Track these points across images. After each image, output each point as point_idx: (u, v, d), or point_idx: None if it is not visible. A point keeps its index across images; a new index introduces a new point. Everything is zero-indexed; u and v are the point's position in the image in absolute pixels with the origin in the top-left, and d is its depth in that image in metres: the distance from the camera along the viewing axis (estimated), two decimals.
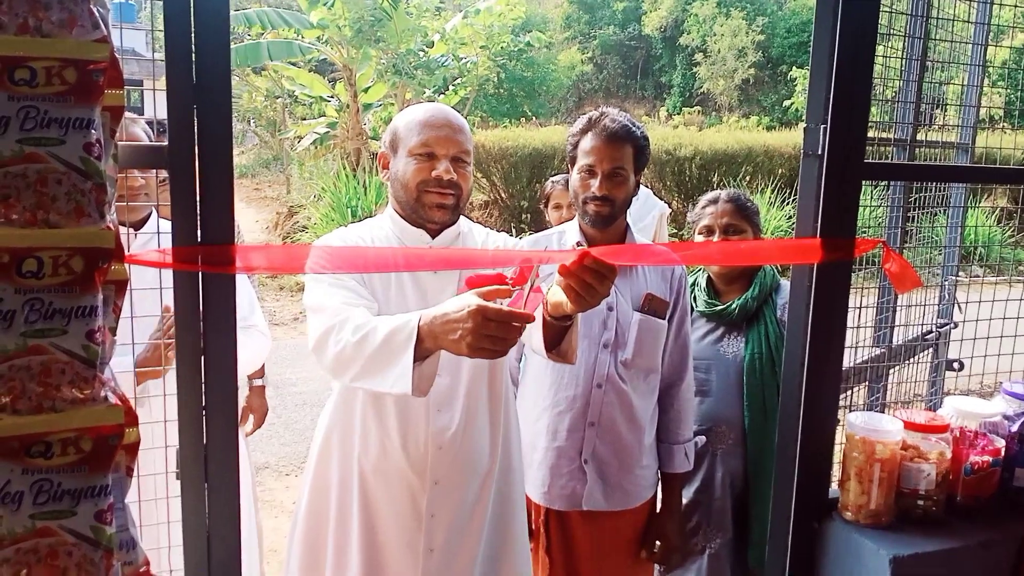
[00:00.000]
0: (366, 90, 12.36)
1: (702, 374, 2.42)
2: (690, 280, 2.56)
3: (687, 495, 2.42)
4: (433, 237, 1.96)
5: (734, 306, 2.42)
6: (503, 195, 11.72)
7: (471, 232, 2.06)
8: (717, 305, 2.46)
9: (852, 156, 1.67)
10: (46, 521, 1.00)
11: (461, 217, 2.02)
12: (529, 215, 11.22)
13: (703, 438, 2.39)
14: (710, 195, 2.51)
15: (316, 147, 12.45)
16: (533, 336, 1.79)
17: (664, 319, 2.25)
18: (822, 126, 1.65)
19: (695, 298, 2.52)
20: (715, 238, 2.41)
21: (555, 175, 3.99)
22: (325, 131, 12.32)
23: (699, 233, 2.47)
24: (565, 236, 2.32)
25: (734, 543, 2.39)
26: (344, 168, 11.39)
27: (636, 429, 2.25)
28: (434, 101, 1.77)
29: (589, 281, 1.46)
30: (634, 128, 2.21)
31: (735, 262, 2.34)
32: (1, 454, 0.98)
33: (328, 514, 1.96)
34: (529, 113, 20.62)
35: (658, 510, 2.37)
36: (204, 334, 1.24)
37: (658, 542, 2.31)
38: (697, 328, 2.49)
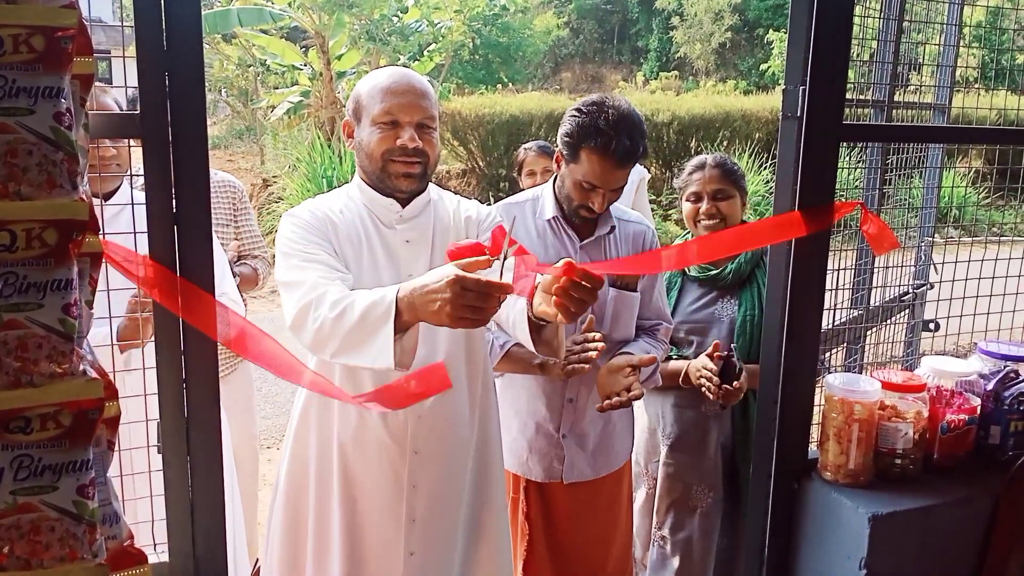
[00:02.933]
0: (339, 57, 12.18)
1: (697, 337, 2.44)
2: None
3: (680, 456, 2.44)
4: (403, 206, 1.94)
5: (728, 271, 2.43)
6: (480, 163, 11.65)
7: (441, 200, 2.04)
8: (711, 271, 2.46)
9: (831, 117, 1.67)
10: (27, 497, 0.99)
11: (430, 184, 2.00)
12: (507, 183, 11.16)
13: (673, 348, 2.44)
14: (696, 160, 2.50)
15: (289, 116, 12.28)
16: (517, 328, 1.80)
17: (636, 291, 2.26)
18: (801, 88, 1.65)
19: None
20: (703, 204, 2.42)
21: (529, 142, 3.97)
22: (298, 100, 12.15)
23: (687, 200, 2.47)
24: (540, 204, 2.29)
25: (725, 503, 2.42)
26: (318, 138, 11.25)
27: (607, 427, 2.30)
28: (407, 67, 1.73)
29: (578, 296, 1.48)
30: (641, 145, 2.11)
31: (720, 255, 2.28)
32: None
33: (308, 487, 1.96)
34: (505, 79, 20.43)
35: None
36: (182, 303, 1.23)
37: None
38: (691, 293, 2.49)
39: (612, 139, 2.04)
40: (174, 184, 1.18)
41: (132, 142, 1.32)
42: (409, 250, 1.94)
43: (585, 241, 2.25)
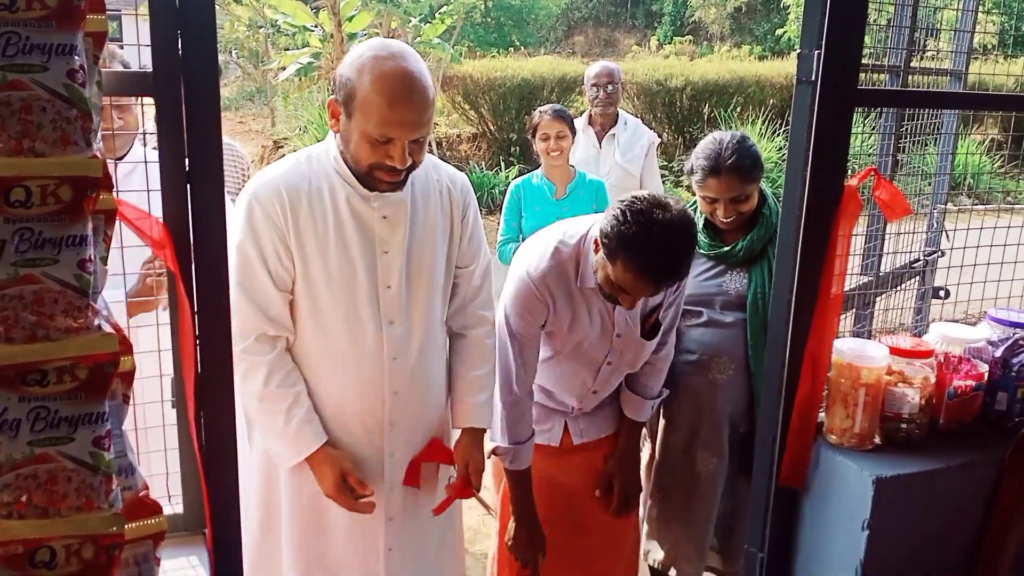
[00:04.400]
0: (350, 19, 12.07)
1: (705, 308, 2.42)
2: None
3: (685, 422, 2.46)
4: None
5: (739, 247, 2.38)
6: (491, 127, 11.57)
7: (425, 170, 1.95)
8: (723, 247, 2.41)
9: (846, 82, 1.66)
10: (44, 448, 1.01)
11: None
12: (518, 147, 11.10)
13: (667, 391, 2.40)
14: (711, 160, 2.32)
15: (300, 78, 12.21)
16: None
17: (657, 335, 2.25)
18: (816, 52, 1.64)
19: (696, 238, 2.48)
20: (720, 209, 2.34)
21: (543, 105, 3.93)
22: (309, 61, 12.07)
23: (703, 197, 2.38)
24: (581, 270, 2.16)
25: (730, 468, 2.43)
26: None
27: (617, 389, 2.37)
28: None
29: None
30: (686, 260, 2.00)
31: None
32: None
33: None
34: (517, 42, 20.23)
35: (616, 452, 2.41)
36: (195, 262, 1.24)
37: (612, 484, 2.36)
38: (700, 264, 2.46)
39: (651, 262, 1.87)
40: (187, 143, 1.19)
41: (142, 103, 1.32)
42: (386, 225, 1.88)
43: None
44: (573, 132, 3.77)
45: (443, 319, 2.03)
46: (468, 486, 2.08)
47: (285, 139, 12.16)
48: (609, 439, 2.41)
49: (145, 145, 2.03)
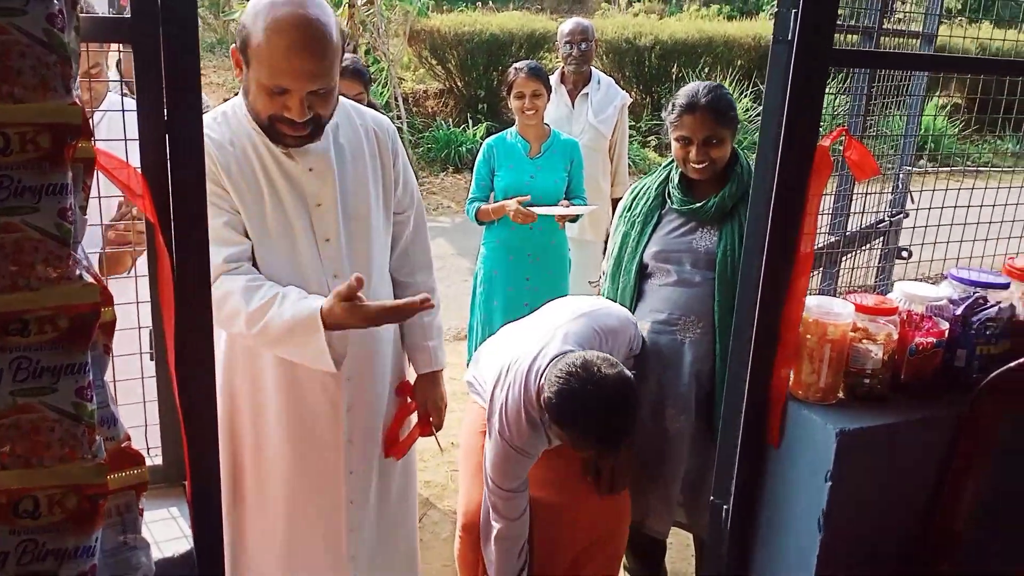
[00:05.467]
0: None
1: (673, 265, 2.46)
2: (663, 174, 2.56)
3: (655, 378, 2.49)
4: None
5: (711, 204, 2.41)
6: (459, 83, 11.44)
7: (347, 116, 1.92)
8: (693, 203, 2.44)
9: (822, 42, 1.67)
10: (27, 398, 1.00)
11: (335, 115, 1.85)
12: (485, 104, 11.00)
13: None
14: (687, 98, 2.40)
15: None
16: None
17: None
18: (793, 11, 1.65)
19: (669, 194, 2.51)
20: (693, 149, 2.39)
21: (516, 62, 3.90)
22: None
23: (676, 140, 2.43)
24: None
25: (696, 424, 2.48)
26: None
27: None
28: None
29: None
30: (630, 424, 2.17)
31: None
32: None
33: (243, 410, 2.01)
34: None
35: None
36: (173, 212, 1.23)
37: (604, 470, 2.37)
38: (671, 222, 2.49)
39: (595, 432, 2.07)
40: (165, 92, 1.17)
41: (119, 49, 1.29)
42: (314, 179, 1.84)
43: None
44: (549, 90, 3.75)
45: (386, 268, 2.04)
46: (428, 424, 2.16)
47: None
48: None
49: (124, 95, 1.98)
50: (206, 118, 1.81)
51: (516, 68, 3.74)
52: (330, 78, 1.70)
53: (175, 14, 1.14)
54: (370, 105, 3.39)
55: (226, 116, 1.84)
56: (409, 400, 2.18)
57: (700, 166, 2.38)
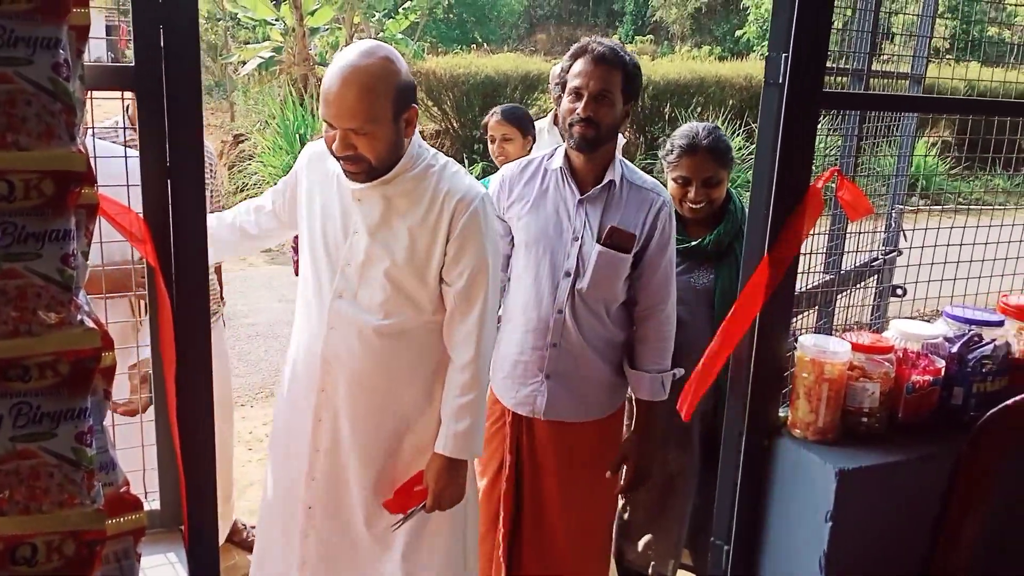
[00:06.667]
0: (312, 13, 11.95)
1: None
2: None
3: (658, 419, 2.46)
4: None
5: (707, 242, 2.42)
6: (455, 124, 11.57)
7: (426, 175, 1.99)
8: (690, 242, 2.45)
9: (812, 85, 1.70)
10: (26, 443, 1.00)
11: (432, 157, 2.00)
12: (481, 144, 11.09)
13: (682, 370, 2.35)
14: (686, 139, 2.42)
15: (260, 72, 12.05)
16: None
17: (628, 253, 2.25)
18: (784, 55, 1.68)
19: None
20: (692, 190, 2.40)
21: (505, 104, 3.90)
22: (270, 55, 11.92)
23: (674, 180, 2.45)
24: (553, 155, 2.36)
25: (701, 465, 2.46)
26: (291, 95, 11.06)
27: (599, 352, 2.31)
28: (381, 28, 1.71)
29: None
30: (623, 55, 2.22)
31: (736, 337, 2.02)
32: None
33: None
34: (480, 39, 20.22)
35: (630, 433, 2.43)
36: (175, 258, 1.24)
37: (624, 465, 2.36)
38: None
39: (591, 43, 2.23)
40: (168, 137, 1.18)
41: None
42: (358, 208, 2.00)
43: (584, 195, 2.29)
44: (525, 133, 3.66)
45: (402, 315, 2.02)
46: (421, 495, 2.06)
47: (245, 135, 12.01)
48: (586, 427, 2.37)
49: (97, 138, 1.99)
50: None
51: (492, 112, 3.69)
52: (369, 120, 1.84)
53: (178, 62, 1.17)
54: None
55: None
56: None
57: (698, 206, 2.41)
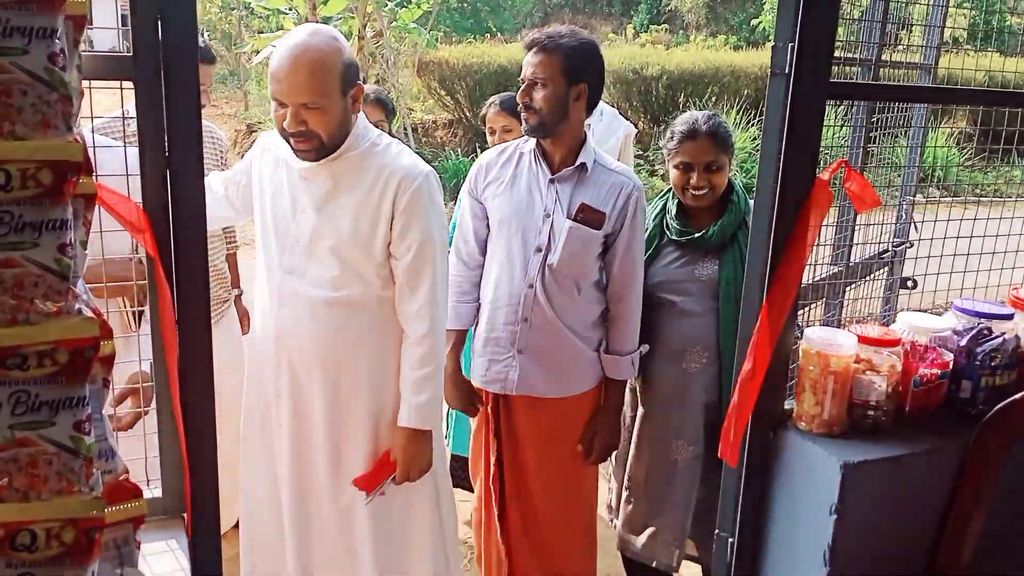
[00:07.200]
0: (325, 2, 11.96)
1: (676, 296, 2.45)
2: (659, 206, 2.56)
3: (660, 410, 2.50)
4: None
5: (710, 233, 2.41)
6: (467, 114, 11.55)
7: (372, 153, 2.10)
8: (692, 233, 2.45)
9: (819, 75, 1.69)
10: (25, 432, 1.01)
11: (360, 138, 2.09)
12: None
13: (647, 346, 2.48)
14: (686, 125, 2.44)
15: None
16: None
17: (598, 230, 2.35)
18: (790, 45, 1.66)
19: (667, 225, 2.52)
20: (694, 176, 2.40)
21: (504, 94, 3.84)
22: None
23: (675, 167, 2.45)
24: (527, 143, 2.46)
25: (704, 457, 2.46)
26: None
27: (571, 329, 2.41)
28: (321, 27, 1.75)
29: None
30: (566, 39, 2.29)
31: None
32: None
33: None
34: (493, 28, 20.15)
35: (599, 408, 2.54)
36: (174, 247, 1.24)
37: (593, 440, 2.49)
38: (669, 253, 2.50)
39: (533, 34, 2.33)
40: (167, 128, 1.19)
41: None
42: (303, 186, 2.10)
43: (556, 175, 2.39)
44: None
45: (351, 289, 2.11)
46: (390, 466, 2.16)
47: (259, 123, 12.05)
48: (561, 403, 2.46)
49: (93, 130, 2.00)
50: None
51: (490, 101, 3.61)
52: (319, 96, 1.93)
53: (176, 52, 1.17)
54: (390, 135, 3.43)
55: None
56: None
57: (700, 192, 2.40)
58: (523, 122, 2.36)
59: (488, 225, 2.48)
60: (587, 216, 2.34)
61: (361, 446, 2.17)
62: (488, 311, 2.46)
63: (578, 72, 2.29)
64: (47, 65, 0.96)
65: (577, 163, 2.36)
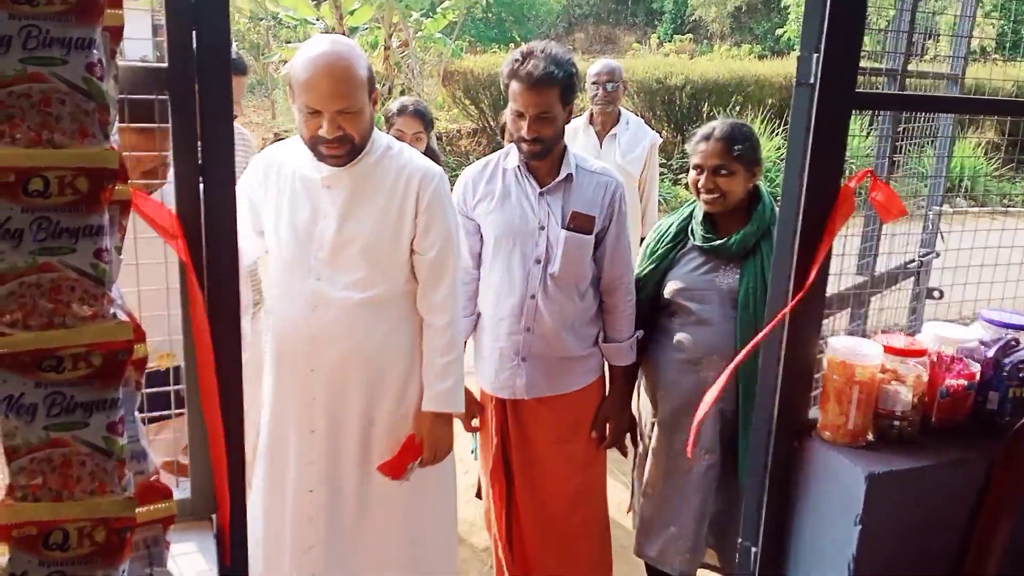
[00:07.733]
0: (352, 12, 12.07)
1: (695, 304, 2.46)
2: (685, 212, 2.57)
3: (676, 419, 2.50)
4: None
5: (733, 241, 2.42)
6: (491, 123, 11.59)
7: (389, 157, 2.18)
8: (716, 240, 2.45)
9: (844, 85, 1.68)
10: (60, 432, 1.03)
11: (374, 143, 2.16)
12: None
13: (641, 332, 2.60)
14: (706, 129, 2.49)
15: None
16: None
17: (590, 234, 2.46)
18: (815, 55, 1.66)
19: (691, 230, 2.52)
20: (703, 178, 2.43)
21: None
22: None
23: (692, 168, 2.49)
24: (508, 155, 2.55)
25: (722, 465, 2.46)
26: None
27: (571, 331, 2.52)
28: (340, 39, 1.82)
29: None
30: (556, 69, 2.32)
31: None
32: (15, 368, 1.00)
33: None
34: (518, 38, 20.20)
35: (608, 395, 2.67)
36: (206, 254, 1.26)
37: (607, 425, 2.62)
38: (692, 260, 2.50)
39: (521, 63, 2.33)
40: (200, 137, 1.21)
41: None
42: (327, 194, 2.14)
43: (544, 188, 2.48)
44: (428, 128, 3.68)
45: (379, 287, 2.17)
46: (417, 449, 2.24)
47: (286, 131, 12.15)
48: (568, 397, 2.56)
49: None
50: (285, 144, 2.24)
51: (401, 105, 3.63)
52: (355, 100, 2.00)
53: (210, 63, 1.19)
54: (428, 147, 3.57)
55: (294, 144, 2.21)
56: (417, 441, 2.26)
57: (709, 196, 2.41)
58: (522, 149, 2.42)
59: (481, 240, 2.57)
60: (579, 223, 2.45)
61: (385, 441, 2.24)
62: (491, 323, 2.54)
63: (570, 94, 2.41)
64: (85, 75, 0.99)
65: (562, 176, 2.48)
